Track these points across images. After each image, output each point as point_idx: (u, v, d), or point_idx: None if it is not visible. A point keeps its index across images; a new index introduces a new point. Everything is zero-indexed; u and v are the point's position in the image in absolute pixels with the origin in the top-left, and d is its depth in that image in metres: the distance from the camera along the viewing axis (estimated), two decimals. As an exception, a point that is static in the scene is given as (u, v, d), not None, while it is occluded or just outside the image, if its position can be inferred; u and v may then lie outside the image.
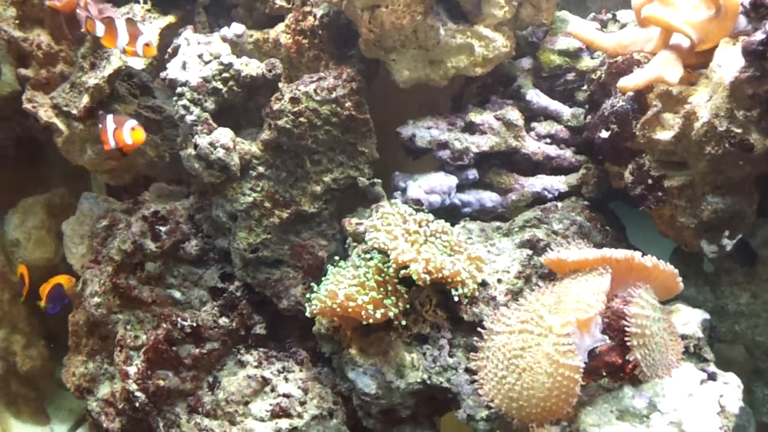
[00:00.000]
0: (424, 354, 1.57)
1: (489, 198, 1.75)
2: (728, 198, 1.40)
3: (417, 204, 1.68)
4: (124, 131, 1.68)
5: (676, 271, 1.36)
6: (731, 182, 1.40)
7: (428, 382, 1.56)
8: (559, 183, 1.74)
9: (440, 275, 1.46)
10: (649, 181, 1.47)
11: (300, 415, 1.73)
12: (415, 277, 1.46)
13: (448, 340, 1.58)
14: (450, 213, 1.73)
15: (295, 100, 1.68)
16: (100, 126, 1.72)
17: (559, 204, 1.70)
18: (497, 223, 1.72)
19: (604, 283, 1.32)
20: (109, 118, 1.71)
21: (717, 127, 1.35)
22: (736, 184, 1.41)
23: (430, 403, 1.64)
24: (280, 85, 1.74)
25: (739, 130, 1.34)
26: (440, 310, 1.59)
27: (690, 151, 1.41)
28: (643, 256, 1.36)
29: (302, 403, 1.74)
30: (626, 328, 1.30)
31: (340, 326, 1.64)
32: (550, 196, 1.73)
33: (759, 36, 1.30)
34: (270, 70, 1.72)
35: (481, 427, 1.53)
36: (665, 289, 1.38)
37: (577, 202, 1.72)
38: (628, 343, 1.31)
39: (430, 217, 1.58)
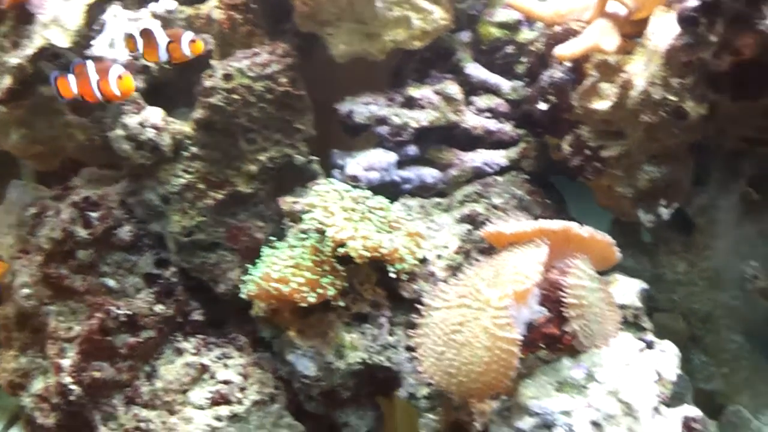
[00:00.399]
0: (364, 333, 1.54)
1: (429, 174, 1.72)
2: (664, 167, 1.40)
3: (355, 181, 1.64)
4: (110, 80, 1.52)
5: (613, 240, 1.34)
6: (667, 151, 1.40)
7: (368, 361, 1.53)
8: (499, 157, 1.72)
9: (379, 252, 1.43)
10: (587, 152, 1.46)
11: (240, 402, 1.68)
12: (353, 255, 1.43)
13: (388, 318, 1.55)
14: (390, 190, 1.69)
15: (227, 77, 1.62)
16: (76, 75, 1.54)
17: (500, 178, 1.68)
18: (437, 199, 1.69)
19: (541, 255, 1.29)
20: (90, 65, 1.54)
21: (652, 96, 1.35)
22: (671, 153, 1.40)
23: (372, 383, 1.61)
24: (213, 62, 1.68)
25: (674, 98, 1.33)
26: (380, 288, 1.56)
27: (627, 120, 1.40)
28: (580, 227, 1.35)
29: (242, 389, 1.69)
30: (563, 299, 1.29)
31: (279, 309, 1.60)
32: (490, 170, 1.71)
33: (692, 2, 1.29)
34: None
35: (422, 405, 1.51)
36: (602, 259, 1.36)
37: (517, 176, 1.70)
38: (566, 315, 1.30)
39: (368, 193, 1.55)
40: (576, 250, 1.34)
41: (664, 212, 1.44)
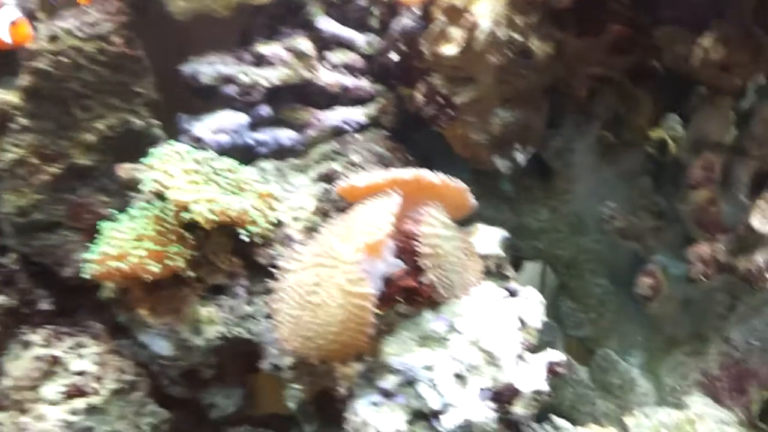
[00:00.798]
0: (221, 306, 1.45)
1: (286, 136, 1.63)
2: (517, 111, 1.37)
3: (203, 144, 1.53)
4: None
5: (466, 186, 1.30)
6: (519, 94, 1.37)
7: (228, 335, 1.45)
8: (358, 114, 1.65)
9: (227, 216, 1.34)
10: (439, 100, 1.41)
11: (97, 392, 1.54)
12: (199, 219, 1.33)
13: (245, 288, 1.46)
14: (245, 154, 1.59)
15: (53, 39, 1.47)
16: None
17: (359, 136, 1.62)
18: (294, 160, 1.61)
19: (392, 205, 1.23)
20: None
21: (498, 37, 1.31)
22: (524, 96, 1.38)
23: (236, 359, 1.53)
24: (36, 23, 1.53)
25: (519, 38, 1.30)
26: (235, 256, 1.46)
27: (476, 64, 1.36)
28: (432, 174, 1.30)
29: (99, 379, 1.56)
30: (417, 249, 1.24)
31: (129, 288, 1.48)
32: (349, 128, 1.64)
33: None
34: (23, 6, 1.50)
35: (288, 376, 1.43)
36: (457, 206, 1.32)
37: (377, 132, 1.64)
38: (422, 265, 1.25)
39: (213, 154, 1.45)
40: (429, 199, 1.29)
41: (520, 157, 1.41)
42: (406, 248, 1.27)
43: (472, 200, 1.32)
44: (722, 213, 1.39)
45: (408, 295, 1.28)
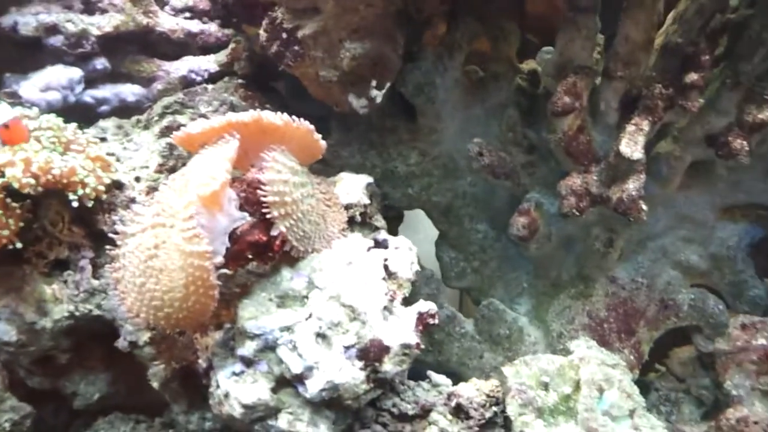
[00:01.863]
0: (66, 282, 1.30)
1: (130, 91, 1.48)
2: (367, 42, 1.25)
3: (29, 104, 1.37)
4: None
5: (312, 127, 1.18)
6: (367, 23, 1.25)
7: (76, 313, 1.30)
8: (208, 63, 1.51)
9: (50, 177, 1.18)
10: (284, 36, 1.28)
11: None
12: (15, 184, 1.17)
13: (90, 259, 1.32)
14: (83, 114, 1.44)
15: None
16: None
17: (210, 86, 1.47)
18: (138, 117, 1.46)
19: (228, 151, 1.11)
20: None
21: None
22: (372, 26, 1.26)
23: (95, 341, 1.38)
24: None
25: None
26: (76, 226, 1.31)
27: (317, -10, 1.24)
28: (274, 115, 1.17)
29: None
30: (263, 198, 1.12)
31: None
32: (199, 78, 1.50)
33: None
34: None
35: (146, 353, 1.30)
36: (306, 149, 1.20)
37: (231, 81, 1.50)
38: (269, 216, 1.13)
39: (33, 112, 1.28)
40: (274, 143, 1.17)
41: (376, 94, 1.30)
42: (252, 199, 1.14)
43: (321, 141, 1.21)
44: (593, 141, 1.32)
45: (260, 251, 1.16)
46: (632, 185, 1.27)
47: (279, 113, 1.16)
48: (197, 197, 1.08)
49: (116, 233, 1.20)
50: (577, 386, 1.18)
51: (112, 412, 1.51)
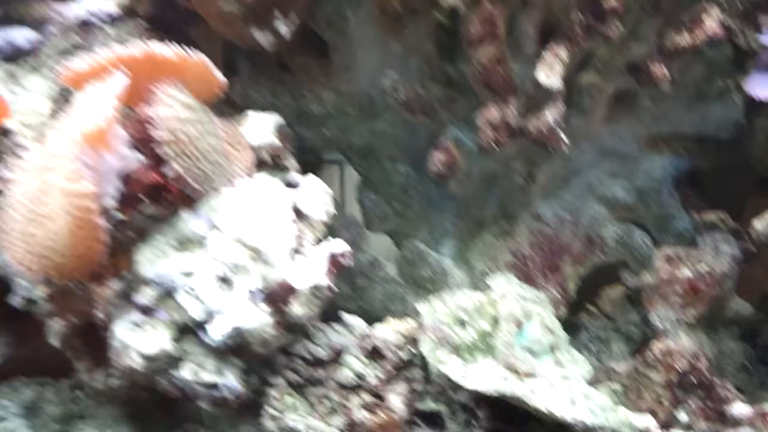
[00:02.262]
0: (-50, 237, 1.21)
1: (22, 36, 1.37)
2: (271, -29, 1.18)
3: None
4: None
5: (207, 59, 1.11)
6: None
7: (-39, 270, 1.21)
8: (107, 4, 1.41)
9: None
10: (177, -35, 1.20)
11: None
12: None
13: (-24, 212, 1.23)
14: (-29, 61, 1.34)
15: None
16: None
17: (110, 29, 1.38)
18: (30, 61, 1.36)
19: (115, 86, 1.03)
20: None
21: None
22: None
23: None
24: None
25: None
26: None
27: None
28: (168, 48, 1.09)
29: None
30: (154, 135, 1.05)
31: None
32: (98, 21, 1.40)
33: None
34: None
35: (45, 309, 1.22)
36: (204, 84, 1.13)
37: (134, 23, 1.40)
38: (162, 154, 1.06)
39: None
40: (168, 78, 1.09)
41: (284, 29, 1.23)
42: (144, 138, 1.07)
43: (220, 77, 1.14)
44: (511, 72, 1.27)
45: (156, 193, 1.09)
46: (550, 114, 1.22)
47: (172, 46, 1.08)
48: (80, 135, 1.00)
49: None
50: (495, 322, 1.14)
51: (15, 376, 1.43)
